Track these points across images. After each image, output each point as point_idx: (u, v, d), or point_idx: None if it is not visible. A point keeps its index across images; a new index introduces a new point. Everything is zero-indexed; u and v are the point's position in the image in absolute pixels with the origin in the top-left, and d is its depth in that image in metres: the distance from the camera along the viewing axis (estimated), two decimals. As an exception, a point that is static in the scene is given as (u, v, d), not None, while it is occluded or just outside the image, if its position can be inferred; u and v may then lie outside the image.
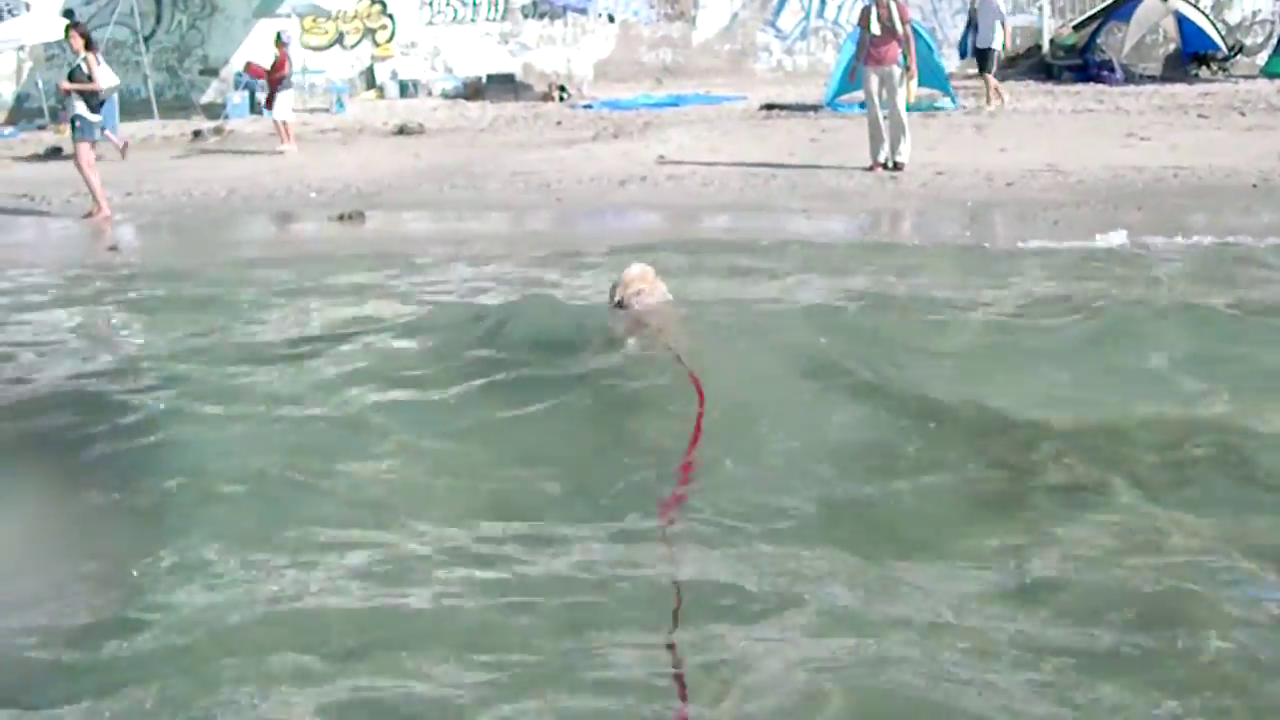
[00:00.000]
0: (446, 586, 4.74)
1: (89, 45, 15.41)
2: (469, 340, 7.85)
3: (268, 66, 21.72)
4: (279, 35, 21.56)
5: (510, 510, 5.41)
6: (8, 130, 24.92)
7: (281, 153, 19.99)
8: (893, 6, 15.82)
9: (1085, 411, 6.27)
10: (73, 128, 15.43)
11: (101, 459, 6.15)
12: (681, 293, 8.41)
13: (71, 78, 15.32)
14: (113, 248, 13.22)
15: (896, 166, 15.90)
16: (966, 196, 13.93)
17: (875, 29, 15.89)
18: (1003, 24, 22.95)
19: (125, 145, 20.40)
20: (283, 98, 20.88)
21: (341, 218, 13.90)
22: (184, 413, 6.77)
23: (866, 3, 16.36)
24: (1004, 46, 23.16)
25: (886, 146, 16.02)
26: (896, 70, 15.85)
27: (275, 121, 20.91)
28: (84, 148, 15.26)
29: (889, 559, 4.83)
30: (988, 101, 22.29)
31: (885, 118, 15.99)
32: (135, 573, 4.96)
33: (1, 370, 7.93)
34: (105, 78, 15.43)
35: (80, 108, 15.21)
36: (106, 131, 19.81)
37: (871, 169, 15.91)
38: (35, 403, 7.18)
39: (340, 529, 5.32)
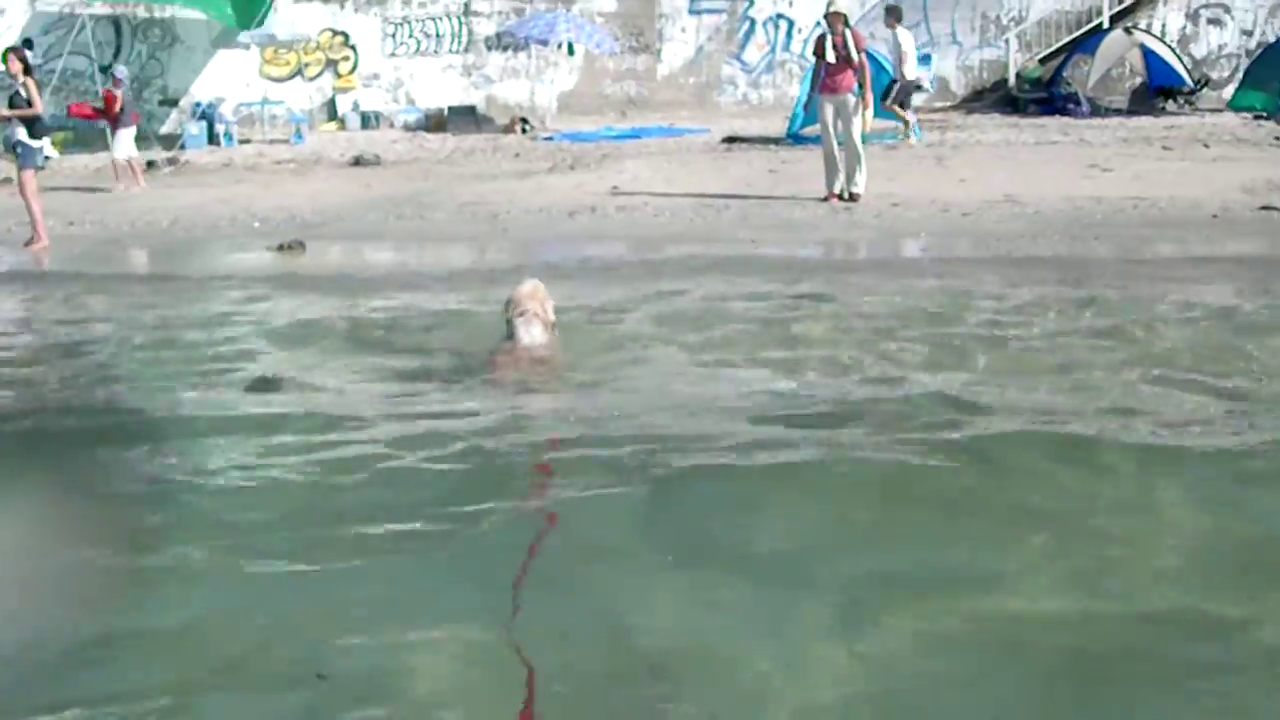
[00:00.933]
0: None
1: (28, 70, 15.05)
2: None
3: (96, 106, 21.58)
4: (111, 73, 21.40)
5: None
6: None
7: (120, 193, 19.61)
8: (848, 34, 15.60)
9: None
10: (15, 154, 15.08)
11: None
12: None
13: (12, 104, 14.98)
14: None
15: (852, 197, 15.64)
16: (921, 228, 13.66)
17: (830, 57, 15.65)
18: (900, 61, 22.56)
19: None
20: (123, 136, 20.53)
21: (280, 248, 13.56)
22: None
23: (821, 31, 16.15)
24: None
25: (842, 177, 15.76)
26: (851, 99, 15.60)
27: (115, 161, 20.54)
28: (27, 175, 14.90)
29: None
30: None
31: (841, 147, 15.74)
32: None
33: None
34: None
35: (21, 134, 14.87)
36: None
37: (826, 199, 15.65)
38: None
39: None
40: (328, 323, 9.37)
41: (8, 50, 16.13)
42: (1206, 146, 20.56)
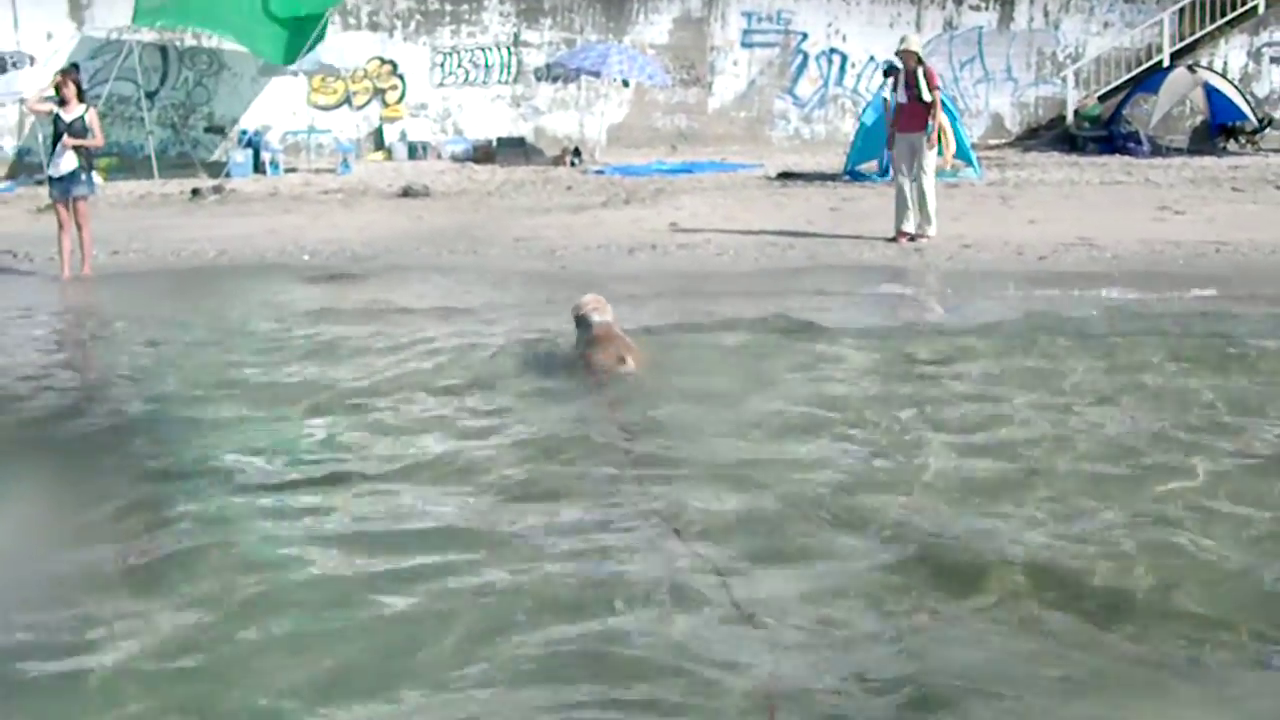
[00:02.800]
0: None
1: (82, 96, 14.67)
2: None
3: None
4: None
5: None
6: (4, 185, 24.25)
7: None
8: (919, 72, 15.12)
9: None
10: (76, 182, 14.58)
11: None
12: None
13: (70, 131, 14.50)
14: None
15: (919, 237, 15.14)
16: (997, 270, 13.12)
17: (902, 95, 15.20)
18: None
19: None
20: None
21: (332, 279, 13.15)
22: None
23: (891, 66, 15.69)
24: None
25: (912, 216, 15.25)
26: (923, 138, 15.11)
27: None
28: (85, 206, 14.55)
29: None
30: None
31: (911, 186, 15.24)
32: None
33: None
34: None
35: (68, 161, 14.45)
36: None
37: (895, 239, 15.14)
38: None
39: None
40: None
41: (61, 71, 15.64)
42: (1278, 188, 19.98)
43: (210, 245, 16.19)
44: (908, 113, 15.27)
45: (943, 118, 15.48)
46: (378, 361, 9.03)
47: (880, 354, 9.14)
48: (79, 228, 14.46)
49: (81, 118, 14.42)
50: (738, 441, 6.78)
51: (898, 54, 15.73)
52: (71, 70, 15.45)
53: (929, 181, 15.27)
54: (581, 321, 8.47)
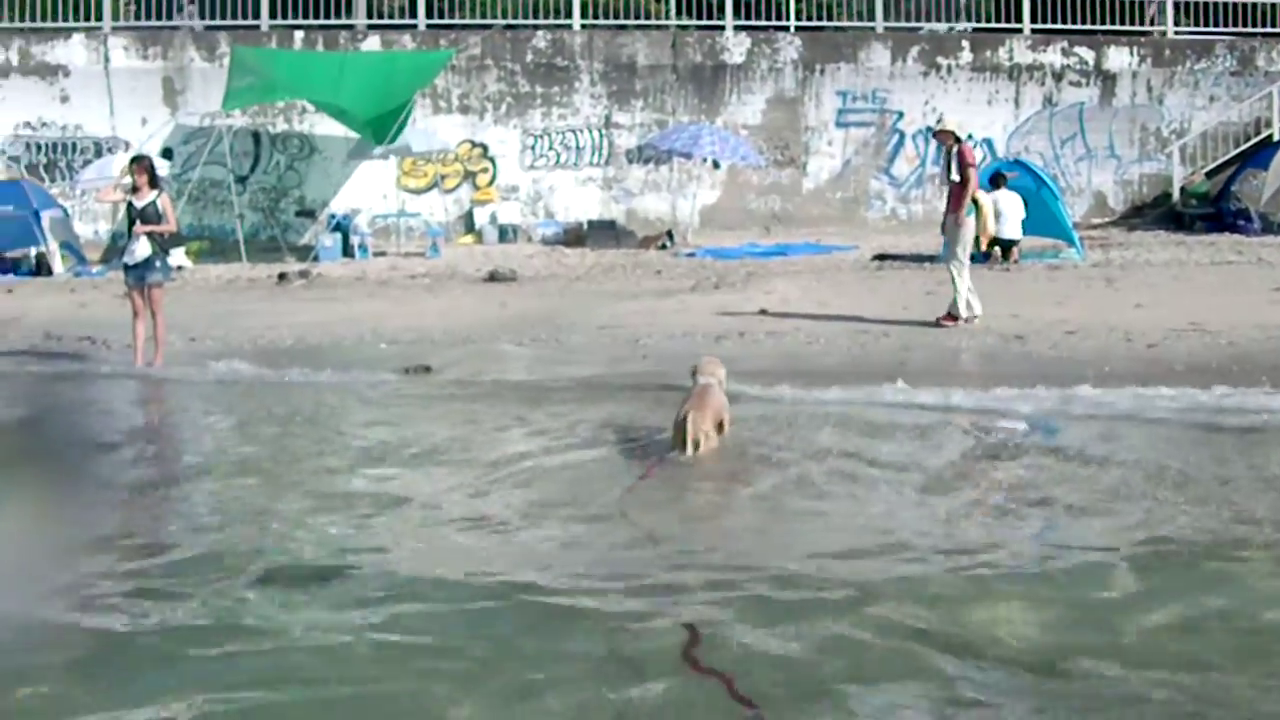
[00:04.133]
0: None
1: (154, 183, 14.43)
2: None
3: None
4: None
5: None
6: (97, 269, 24.20)
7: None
8: (954, 151, 14.62)
9: None
10: (152, 269, 14.34)
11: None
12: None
13: (144, 218, 14.29)
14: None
15: (950, 320, 14.67)
16: (1104, 360, 12.38)
17: (944, 176, 14.93)
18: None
19: None
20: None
21: (406, 371, 12.70)
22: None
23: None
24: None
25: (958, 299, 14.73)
26: (956, 218, 14.64)
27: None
28: (160, 293, 14.30)
29: None
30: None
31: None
32: None
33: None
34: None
35: (142, 247, 14.23)
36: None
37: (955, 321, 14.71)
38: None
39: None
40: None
41: (132, 160, 15.46)
42: (1401, 270, 19.12)
43: (289, 332, 15.85)
44: (949, 193, 14.88)
45: (981, 196, 14.90)
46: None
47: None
48: (153, 315, 14.20)
49: (153, 203, 14.20)
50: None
51: (934, 134, 15.25)
52: (142, 159, 15.23)
53: (956, 263, 14.75)
54: (692, 376, 9.50)
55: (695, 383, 9.35)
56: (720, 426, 9.08)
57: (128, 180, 14.92)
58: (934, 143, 27.90)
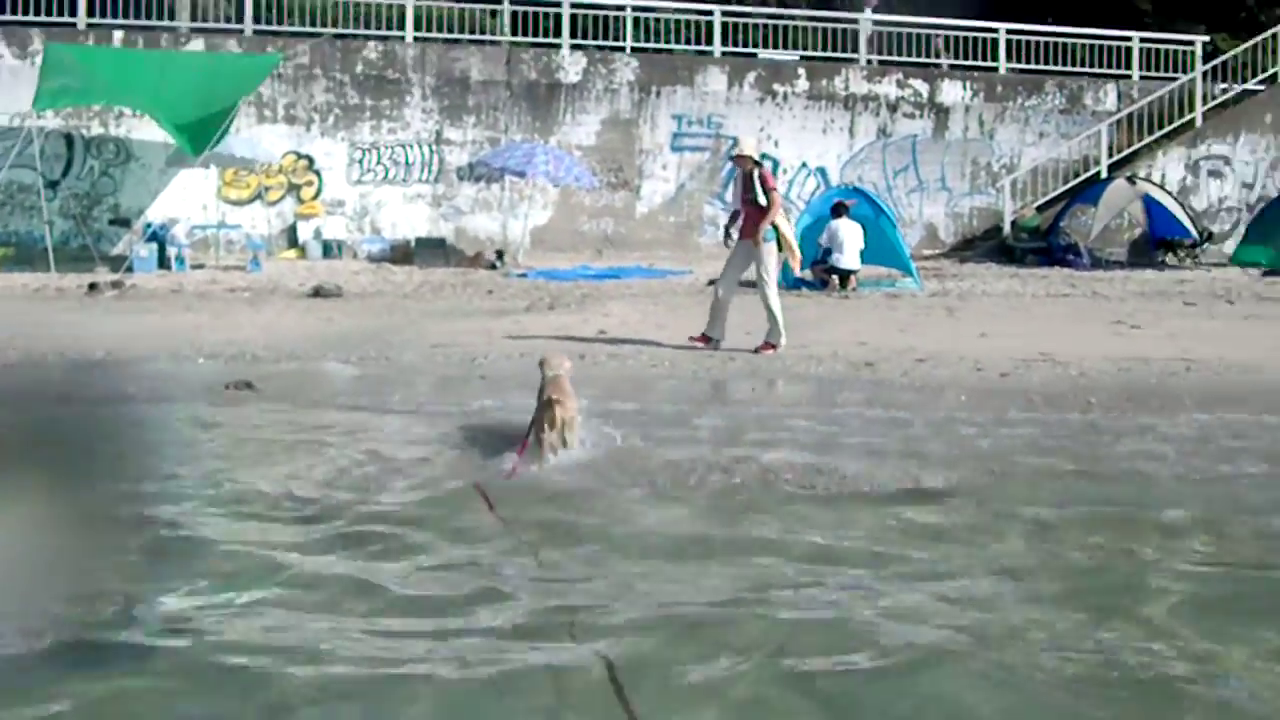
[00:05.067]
0: None
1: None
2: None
3: None
4: None
5: None
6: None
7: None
8: (754, 175, 14.26)
9: None
10: None
11: None
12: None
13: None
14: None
15: (766, 349, 14.34)
16: (956, 388, 12.06)
17: (737, 201, 14.72)
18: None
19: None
20: None
21: (226, 388, 11.84)
22: None
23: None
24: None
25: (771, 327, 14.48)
26: (759, 243, 14.40)
27: None
28: None
29: None
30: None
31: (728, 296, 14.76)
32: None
33: None
34: None
35: None
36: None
37: (696, 340, 14.61)
38: None
39: None
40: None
41: None
42: (1230, 303, 19.29)
43: (99, 343, 14.81)
44: (746, 218, 14.41)
45: (784, 225, 14.54)
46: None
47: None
48: None
49: None
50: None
51: (732, 158, 14.93)
52: None
53: (770, 290, 14.39)
54: (540, 368, 9.33)
55: (545, 375, 9.17)
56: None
57: None
58: (767, 168, 28.22)
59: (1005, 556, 6.86)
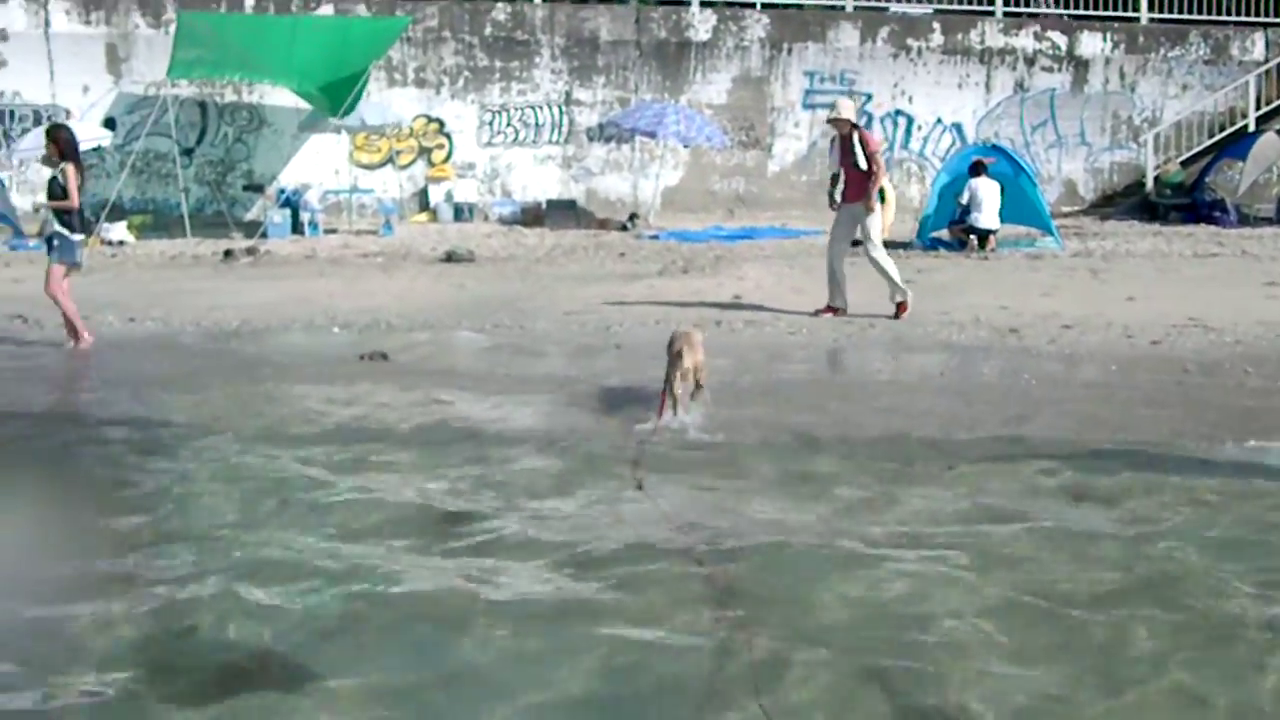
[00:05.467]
0: None
1: (65, 155, 13.14)
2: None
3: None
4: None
5: None
6: (34, 243, 23.10)
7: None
8: (854, 138, 13.94)
9: None
10: (49, 247, 13.22)
11: None
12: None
13: (50, 193, 13.13)
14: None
15: (901, 312, 14.05)
16: (1106, 357, 11.65)
17: (837, 164, 14.41)
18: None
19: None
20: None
21: (361, 358, 11.79)
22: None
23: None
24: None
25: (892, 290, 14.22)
26: (863, 209, 14.10)
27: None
28: (57, 270, 13.01)
29: None
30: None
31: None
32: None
33: None
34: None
35: (57, 225, 13.04)
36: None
37: (820, 312, 14.26)
38: None
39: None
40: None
41: (49, 129, 14.24)
42: (1392, 262, 18.53)
43: (235, 313, 14.89)
44: (848, 182, 14.07)
45: (887, 187, 14.15)
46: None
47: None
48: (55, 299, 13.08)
49: (55, 177, 13.04)
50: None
51: (829, 121, 14.46)
52: (55, 129, 13.95)
53: (879, 252, 14.10)
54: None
55: (676, 332, 9.45)
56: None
57: (41, 151, 13.72)
58: (902, 125, 27.75)
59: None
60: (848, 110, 14.22)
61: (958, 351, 12.11)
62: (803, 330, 13.24)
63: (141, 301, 15.84)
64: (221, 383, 10.87)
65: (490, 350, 12.61)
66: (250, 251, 20.95)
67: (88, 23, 25.36)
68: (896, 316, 13.85)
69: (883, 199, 14.21)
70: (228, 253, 20.75)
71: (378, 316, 14.38)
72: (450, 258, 20.06)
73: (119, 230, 22.76)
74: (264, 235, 22.76)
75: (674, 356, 8.95)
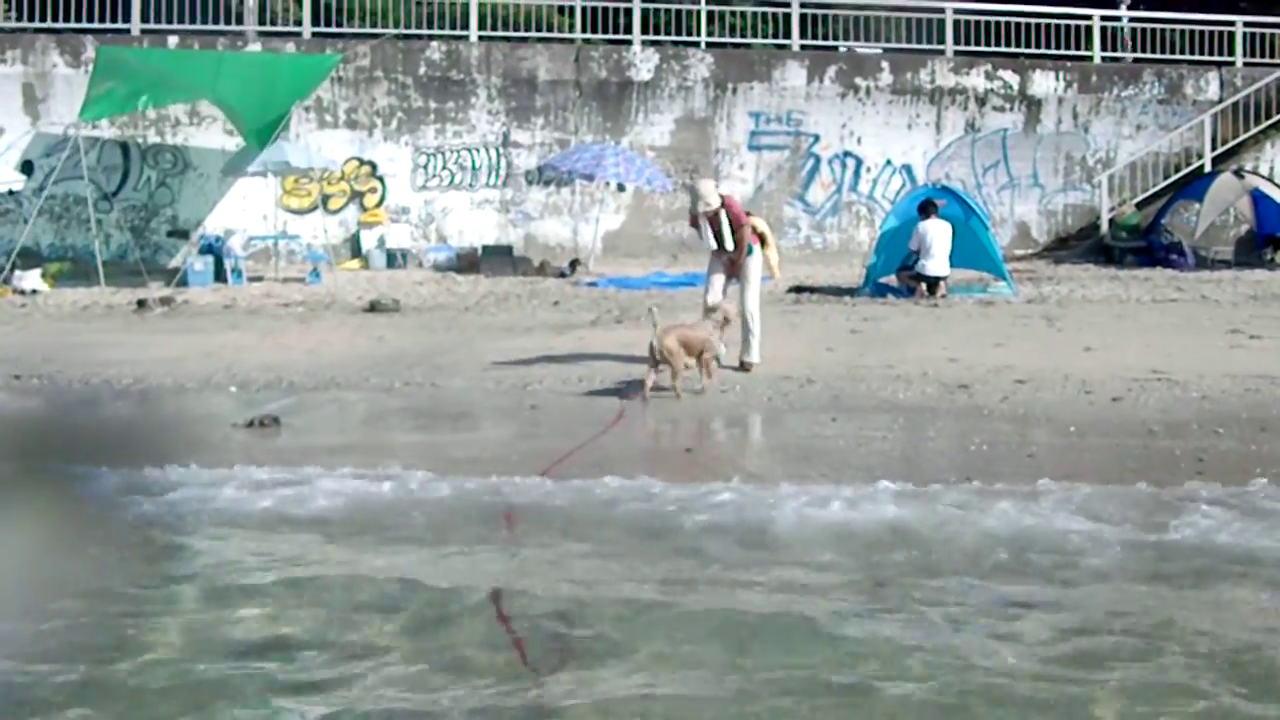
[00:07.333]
0: None
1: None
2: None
3: None
4: None
5: None
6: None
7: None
8: (722, 217, 13.30)
9: None
10: None
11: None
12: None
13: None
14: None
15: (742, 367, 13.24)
16: (1065, 417, 10.73)
17: (712, 242, 13.67)
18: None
19: None
20: None
21: (250, 424, 10.77)
22: None
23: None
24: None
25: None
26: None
27: None
28: None
29: None
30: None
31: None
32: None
33: None
34: None
35: None
36: None
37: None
38: None
39: None
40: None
41: None
42: (1360, 309, 17.77)
43: (131, 369, 13.81)
44: (729, 263, 13.63)
45: (765, 228, 14.11)
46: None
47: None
48: None
49: None
50: None
51: (696, 214, 13.43)
52: None
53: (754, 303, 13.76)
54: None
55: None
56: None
57: None
58: (851, 167, 26.94)
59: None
60: (712, 194, 13.25)
61: (901, 413, 11.13)
62: (736, 388, 12.27)
63: (37, 356, 14.77)
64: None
65: (386, 415, 11.59)
66: (165, 301, 19.89)
67: (3, 61, 24.30)
68: (741, 369, 13.11)
69: (764, 243, 13.44)
70: (141, 302, 19.69)
71: (282, 374, 13.32)
72: (374, 307, 19.05)
73: (32, 278, 21.68)
74: (183, 283, 21.67)
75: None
